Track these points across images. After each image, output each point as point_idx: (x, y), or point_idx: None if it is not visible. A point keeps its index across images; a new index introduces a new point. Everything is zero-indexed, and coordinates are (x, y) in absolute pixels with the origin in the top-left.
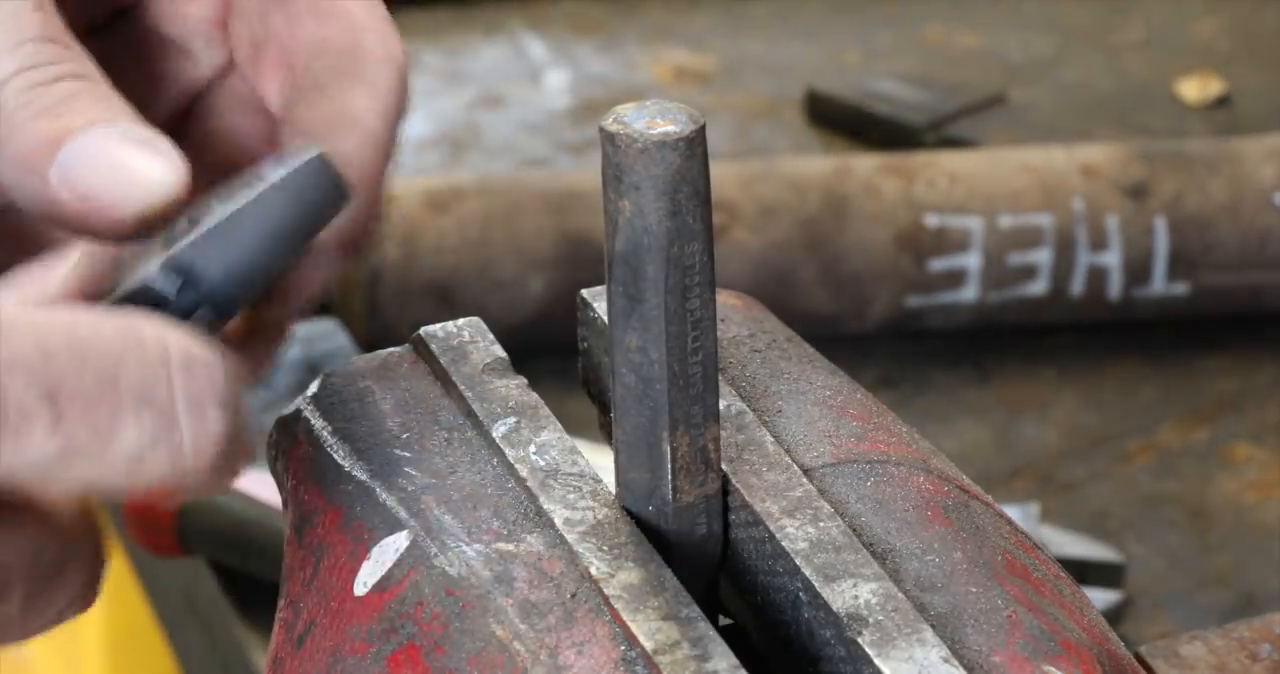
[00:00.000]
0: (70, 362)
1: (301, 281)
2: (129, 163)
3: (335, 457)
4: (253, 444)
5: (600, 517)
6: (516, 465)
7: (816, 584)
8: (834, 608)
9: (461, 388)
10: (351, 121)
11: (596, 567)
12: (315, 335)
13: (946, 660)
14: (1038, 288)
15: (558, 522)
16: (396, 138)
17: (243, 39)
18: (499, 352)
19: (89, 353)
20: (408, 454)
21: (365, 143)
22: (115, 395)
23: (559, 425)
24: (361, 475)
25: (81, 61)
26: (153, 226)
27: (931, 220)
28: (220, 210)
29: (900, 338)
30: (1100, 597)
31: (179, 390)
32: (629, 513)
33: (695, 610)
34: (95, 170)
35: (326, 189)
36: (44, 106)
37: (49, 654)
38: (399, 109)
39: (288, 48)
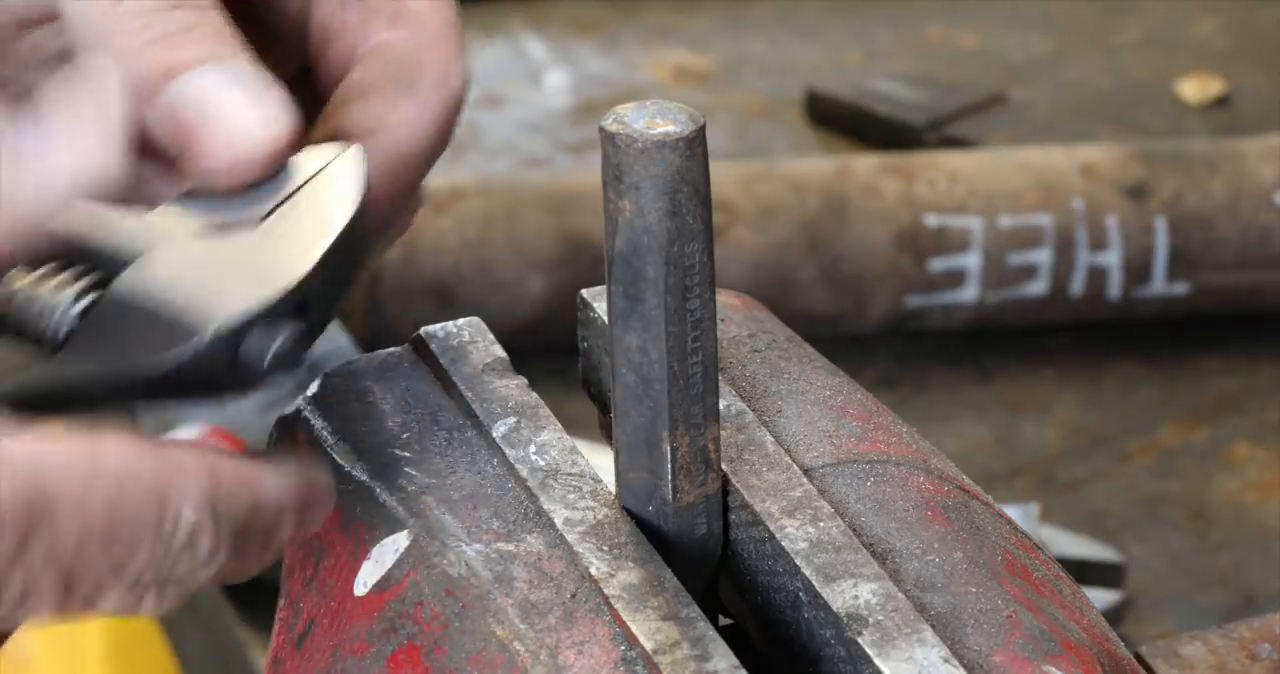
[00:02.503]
0: (94, 544)
1: None
2: (234, 111)
3: (335, 457)
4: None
5: (600, 517)
6: (516, 465)
7: (816, 584)
8: (834, 608)
9: (461, 388)
10: (383, 134)
11: (596, 567)
12: None
13: (946, 660)
14: (1038, 288)
15: (558, 522)
16: (428, 162)
17: (317, 24)
18: (499, 352)
19: (115, 533)
20: (408, 454)
21: (390, 159)
22: (120, 578)
23: (559, 425)
24: (361, 475)
25: None
26: (244, 177)
27: (931, 220)
28: (288, 221)
29: (900, 338)
30: (1100, 597)
31: (178, 571)
32: (629, 513)
33: (695, 610)
34: (200, 112)
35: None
36: (160, 33)
37: (49, 654)
38: (437, 135)
39: (354, 44)
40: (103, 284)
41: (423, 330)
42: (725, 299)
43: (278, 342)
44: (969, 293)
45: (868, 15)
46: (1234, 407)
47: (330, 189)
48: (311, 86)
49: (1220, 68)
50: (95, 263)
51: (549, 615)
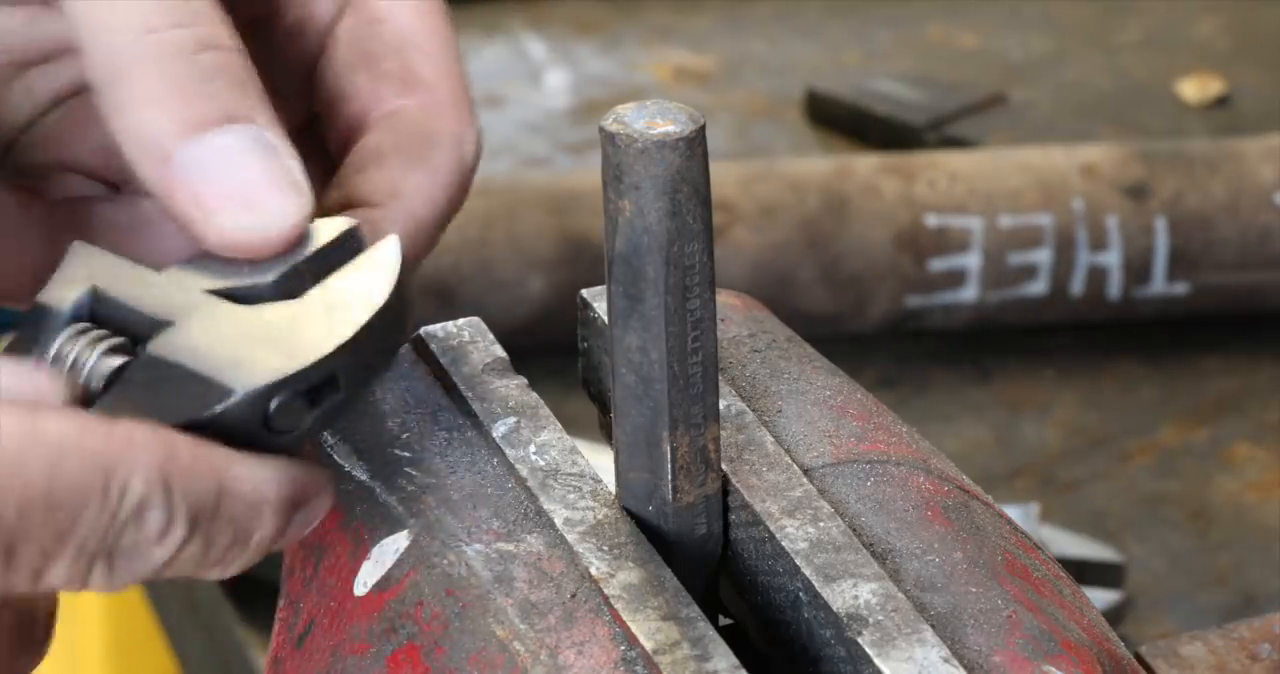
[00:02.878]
0: (34, 511)
1: None
2: (254, 188)
3: (335, 457)
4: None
5: (600, 517)
6: (516, 465)
7: (816, 584)
8: (834, 608)
9: (461, 388)
10: (399, 201)
11: (596, 567)
12: None
13: (946, 660)
14: (1038, 288)
15: (558, 522)
16: (443, 226)
17: (324, 90)
18: (499, 352)
19: (55, 500)
20: (408, 454)
21: (404, 224)
22: (64, 547)
23: (559, 425)
24: (361, 475)
25: (221, 26)
26: (256, 257)
27: (931, 220)
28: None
29: (900, 338)
30: (1100, 597)
31: (124, 542)
32: (629, 513)
33: (695, 610)
34: (218, 182)
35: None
36: (183, 80)
37: (49, 654)
38: (451, 199)
39: (365, 109)
40: (135, 345)
41: (422, 330)
42: (725, 299)
43: (309, 409)
44: (969, 293)
45: (868, 15)
46: (1234, 407)
47: (369, 265)
48: (317, 137)
49: (1220, 68)
50: (129, 324)
51: (549, 615)
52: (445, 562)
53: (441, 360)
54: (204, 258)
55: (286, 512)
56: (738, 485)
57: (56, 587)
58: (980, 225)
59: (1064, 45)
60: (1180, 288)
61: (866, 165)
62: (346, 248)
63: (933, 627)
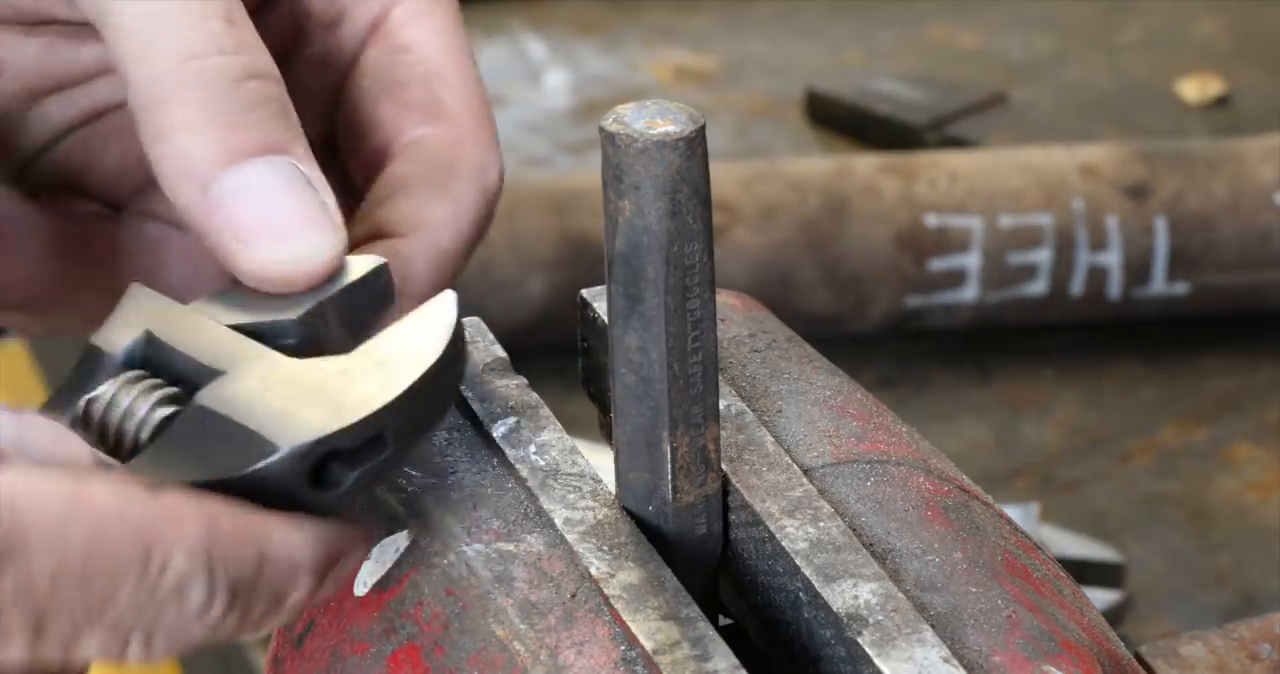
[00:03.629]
0: (69, 583)
1: None
2: (289, 222)
3: None
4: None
5: (600, 517)
6: (517, 465)
7: (816, 584)
8: (834, 608)
9: (462, 388)
10: (423, 232)
11: (596, 567)
12: None
13: (946, 660)
14: (1038, 288)
15: (558, 522)
16: (468, 254)
17: (349, 118)
18: (499, 351)
19: (92, 573)
20: None
21: (429, 255)
22: (97, 622)
23: (559, 425)
24: None
25: (265, 55)
26: (285, 291)
27: (931, 220)
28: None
29: (900, 338)
30: (1100, 597)
31: (165, 619)
32: (629, 513)
33: (695, 610)
34: (254, 215)
35: (383, 293)
36: (225, 108)
37: None
38: (476, 228)
39: (389, 138)
40: (184, 395)
41: None
42: (725, 299)
43: (355, 467)
44: (969, 293)
45: (869, 15)
46: (1234, 407)
47: (423, 320)
48: (336, 164)
49: (1221, 68)
50: (180, 371)
51: (549, 615)
52: (445, 561)
53: None
54: (231, 290)
55: (321, 573)
56: (738, 485)
57: (91, 659)
58: (980, 225)
59: (1065, 45)
60: (1180, 288)
61: (867, 165)
62: (374, 286)
63: (933, 627)
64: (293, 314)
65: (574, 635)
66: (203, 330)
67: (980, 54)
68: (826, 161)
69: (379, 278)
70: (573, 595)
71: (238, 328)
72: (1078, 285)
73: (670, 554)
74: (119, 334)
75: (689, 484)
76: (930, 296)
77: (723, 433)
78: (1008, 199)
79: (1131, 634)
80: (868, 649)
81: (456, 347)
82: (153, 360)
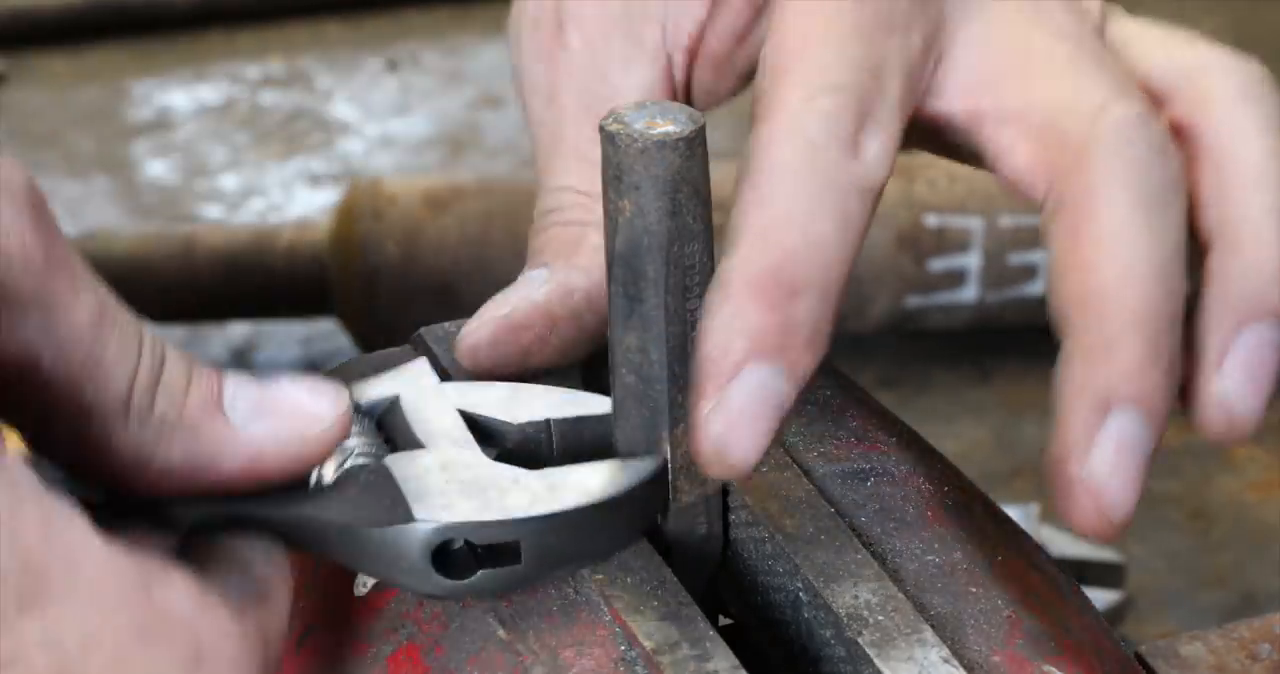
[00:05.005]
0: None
1: None
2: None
3: None
4: None
5: None
6: None
7: (817, 584)
8: (834, 608)
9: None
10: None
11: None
12: (315, 335)
13: (946, 660)
14: (1038, 288)
15: None
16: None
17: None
18: None
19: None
20: None
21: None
22: None
23: None
24: None
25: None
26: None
27: (931, 220)
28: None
29: (900, 338)
30: (1100, 597)
31: None
32: None
33: (695, 610)
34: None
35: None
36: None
37: None
38: None
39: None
40: (387, 452)
41: (422, 329)
42: None
43: (479, 566)
44: (969, 293)
45: None
46: None
47: (615, 465)
48: None
49: None
50: (397, 435)
51: (549, 615)
52: None
53: (441, 360)
54: (490, 384)
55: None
56: (738, 485)
57: None
58: (980, 225)
59: None
60: None
61: None
62: (598, 427)
63: (933, 627)
64: (514, 420)
65: (574, 635)
66: (436, 408)
67: None
68: None
69: (604, 424)
70: (573, 595)
71: (465, 414)
72: None
73: (670, 554)
74: (374, 393)
75: (689, 484)
76: (930, 297)
77: None
78: (1008, 199)
79: (1131, 634)
80: (867, 649)
81: (641, 499)
82: (385, 421)
